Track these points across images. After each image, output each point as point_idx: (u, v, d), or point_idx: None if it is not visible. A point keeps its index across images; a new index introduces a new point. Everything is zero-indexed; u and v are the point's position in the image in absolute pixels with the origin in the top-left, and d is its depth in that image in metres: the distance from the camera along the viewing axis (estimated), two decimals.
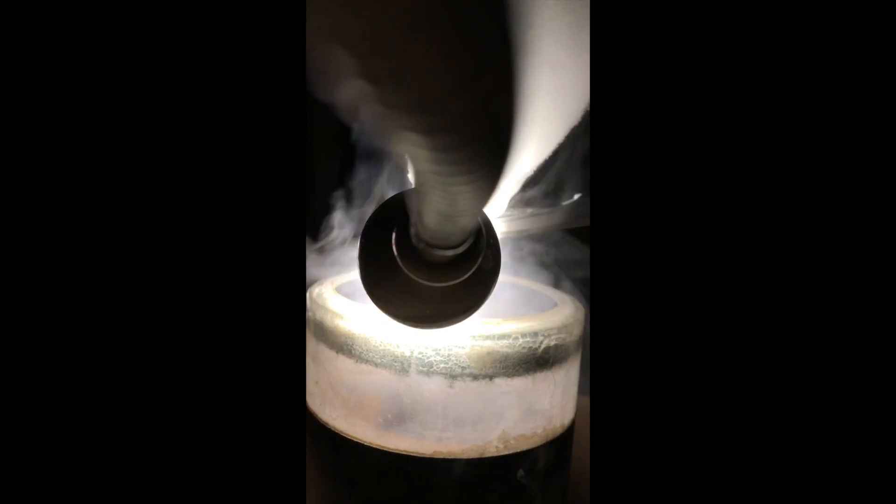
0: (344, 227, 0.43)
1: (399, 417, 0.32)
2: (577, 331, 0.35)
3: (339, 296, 0.35)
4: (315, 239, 0.43)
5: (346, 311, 0.33)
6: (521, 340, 0.31)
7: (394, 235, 0.26)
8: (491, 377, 0.31)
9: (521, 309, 0.42)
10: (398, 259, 0.26)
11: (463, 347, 0.31)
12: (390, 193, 0.29)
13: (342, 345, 0.33)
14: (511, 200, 0.36)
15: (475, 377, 0.31)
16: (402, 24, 0.09)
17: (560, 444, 0.35)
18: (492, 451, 0.32)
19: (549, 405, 0.33)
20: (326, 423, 0.34)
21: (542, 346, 0.32)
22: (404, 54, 0.10)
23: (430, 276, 0.27)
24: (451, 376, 0.31)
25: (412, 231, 0.25)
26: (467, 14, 0.10)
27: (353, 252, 0.28)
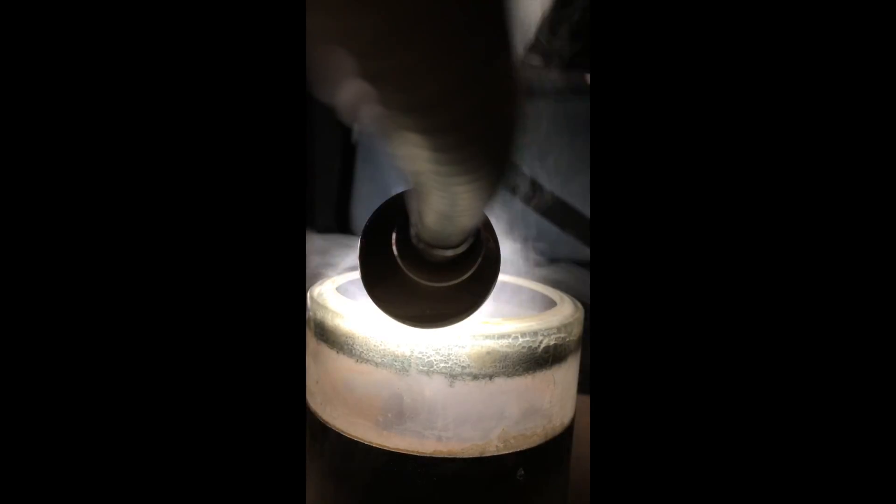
0: None
1: (399, 417, 0.32)
2: (576, 330, 0.35)
3: (339, 295, 0.35)
4: None
5: (346, 311, 0.33)
6: (520, 340, 0.31)
7: (394, 235, 0.26)
8: (491, 376, 0.31)
9: (520, 308, 0.42)
10: (398, 259, 0.26)
11: (463, 347, 0.31)
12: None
13: (343, 344, 0.33)
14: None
15: (475, 376, 0.31)
16: (402, 24, 0.09)
17: (560, 444, 0.35)
18: (492, 451, 0.32)
19: (548, 404, 0.33)
20: (327, 423, 0.34)
21: (542, 346, 0.32)
22: (404, 54, 0.10)
23: (430, 276, 0.27)
24: (452, 376, 0.31)
25: (412, 231, 0.25)
26: (466, 14, 0.10)
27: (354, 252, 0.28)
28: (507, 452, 0.32)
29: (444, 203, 0.19)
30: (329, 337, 0.33)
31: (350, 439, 0.33)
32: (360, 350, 0.32)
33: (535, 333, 0.32)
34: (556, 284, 0.41)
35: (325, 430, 0.34)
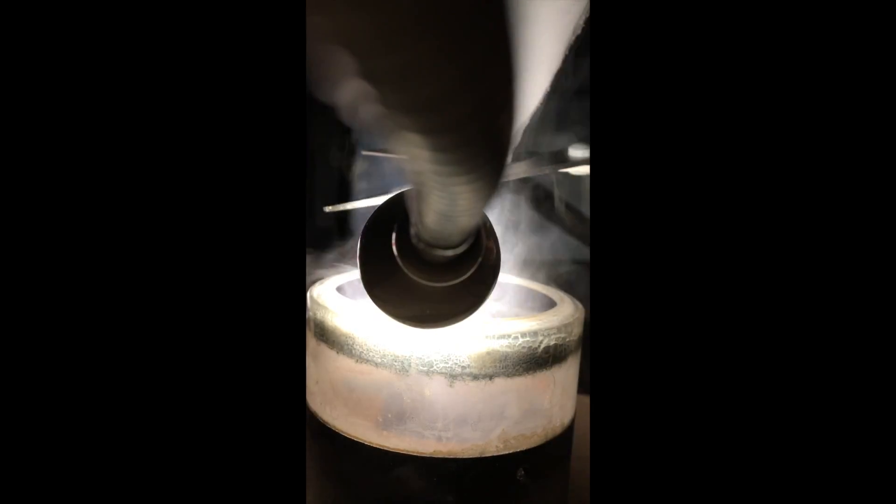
0: None
1: (399, 417, 0.32)
2: (576, 330, 0.35)
3: (339, 295, 0.35)
4: None
5: (346, 311, 0.33)
6: (520, 340, 0.31)
7: (394, 235, 0.26)
8: (491, 377, 0.31)
9: (520, 308, 0.42)
10: (398, 259, 0.26)
11: (463, 347, 0.31)
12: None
13: (342, 344, 0.33)
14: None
15: (475, 377, 0.31)
16: (403, 24, 0.09)
17: (560, 444, 0.35)
18: (492, 451, 0.32)
19: (548, 404, 0.33)
20: (326, 423, 0.34)
21: (542, 346, 0.32)
22: (404, 54, 0.10)
23: (430, 276, 0.27)
24: (451, 376, 0.31)
25: (412, 231, 0.25)
26: (467, 14, 0.10)
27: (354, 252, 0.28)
28: (507, 452, 0.32)
29: (444, 203, 0.19)
30: (329, 337, 0.33)
31: (350, 439, 0.33)
32: (360, 350, 0.32)
33: (535, 333, 0.32)
34: (555, 285, 0.41)
35: (324, 430, 0.34)
